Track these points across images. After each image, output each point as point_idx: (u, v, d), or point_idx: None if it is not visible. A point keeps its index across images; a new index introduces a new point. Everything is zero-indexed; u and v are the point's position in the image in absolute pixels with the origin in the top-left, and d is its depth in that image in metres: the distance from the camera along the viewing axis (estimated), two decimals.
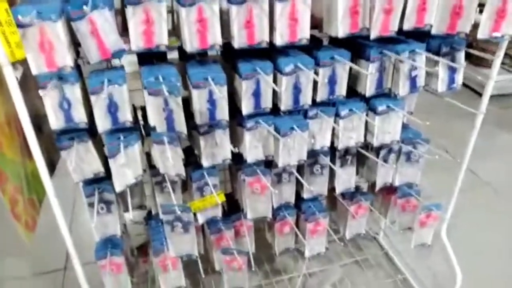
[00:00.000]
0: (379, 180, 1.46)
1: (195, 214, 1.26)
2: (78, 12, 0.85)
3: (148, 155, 1.24)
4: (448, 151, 1.81)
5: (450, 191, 1.53)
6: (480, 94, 1.39)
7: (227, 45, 1.02)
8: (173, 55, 1.17)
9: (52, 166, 1.17)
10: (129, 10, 0.90)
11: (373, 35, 1.07)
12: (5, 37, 0.77)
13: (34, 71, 0.87)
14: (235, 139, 1.23)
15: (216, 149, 1.17)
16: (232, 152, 1.18)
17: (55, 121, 0.98)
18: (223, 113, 1.07)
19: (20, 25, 0.81)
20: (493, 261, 1.92)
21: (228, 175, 1.54)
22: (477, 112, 1.27)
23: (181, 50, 1.06)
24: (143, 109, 1.21)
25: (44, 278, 1.86)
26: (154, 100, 0.99)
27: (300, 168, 1.34)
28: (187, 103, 1.09)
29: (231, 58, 1.12)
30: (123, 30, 1.00)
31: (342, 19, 1.03)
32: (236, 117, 1.17)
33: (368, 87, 1.21)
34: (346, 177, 1.43)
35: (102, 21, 0.89)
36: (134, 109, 1.25)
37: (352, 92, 1.25)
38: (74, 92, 0.95)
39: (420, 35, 1.18)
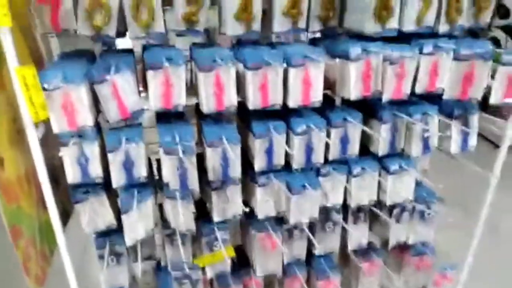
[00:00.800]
0: (392, 238, 1.43)
1: (204, 267, 1.25)
2: (101, 76, 0.90)
3: (160, 206, 1.25)
4: (464, 207, 1.77)
5: (467, 247, 1.49)
6: (497, 146, 1.37)
7: (242, 102, 1.05)
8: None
9: (66, 215, 1.19)
10: (149, 74, 0.94)
11: (385, 98, 1.09)
12: (31, 100, 0.81)
13: (55, 130, 0.90)
14: (247, 193, 1.23)
15: (228, 205, 1.18)
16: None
17: (72, 176, 1.00)
18: (235, 170, 1.09)
19: (45, 89, 0.85)
20: None
21: (238, 227, 1.53)
22: (491, 176, 1.26)
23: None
24: (158, 161, 1.24)
25: None
26: (169, 159, 1.01)
27: (312, 224, 1.33)
28: (201, 157, 1.11)
29: (246, 115, 1.15)
30: (142, 79, 1.04)
31: (355, 83, 1.06)
32: (249, 172, 1.18)
33: (381, 147, 1.21)
34: (359, 234, 1.41)
35: (123, 83, 0.93)
36: (149, 160, 1.27)
37: (365, 149, 1.26)
38: (92, 149, 0.98)
39: (433, 95, 1.19)
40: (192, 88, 1.14)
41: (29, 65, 0.79)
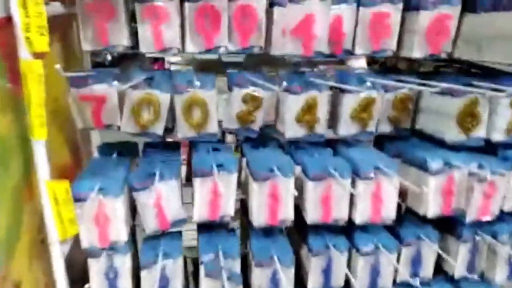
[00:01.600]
0: None
1: None
2: (143, 183, 0.78)
3: None
4: None
5: None
6: None
7: (297, 207, 0.90)
8: None
9: None
10: (196, 182, 0.82)
11: (469, 219, 0.92)
12: (60, 216, 0.69)
13: (84, 244, 0.78)
14: None
15: None
16: None
17: None
18: None
19: (77, 200, 0.73)
20: None
21: None
22: None
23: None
24: (195, 262, 1.09)
25: None
26: (211, 283, 0.86)
27: None
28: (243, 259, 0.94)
29: (301, 224, 0.99)
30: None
31: (434, 199, 0.90)
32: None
33: (458, 269, 1.02)
34: None
35: (167, 192, 0.81)
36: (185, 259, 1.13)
37: (438, 266, 1.06)
38: (124, 262, 0.84)
39: None
40: (239, 187, 1.01)
41: (63, 180, 0.69)
